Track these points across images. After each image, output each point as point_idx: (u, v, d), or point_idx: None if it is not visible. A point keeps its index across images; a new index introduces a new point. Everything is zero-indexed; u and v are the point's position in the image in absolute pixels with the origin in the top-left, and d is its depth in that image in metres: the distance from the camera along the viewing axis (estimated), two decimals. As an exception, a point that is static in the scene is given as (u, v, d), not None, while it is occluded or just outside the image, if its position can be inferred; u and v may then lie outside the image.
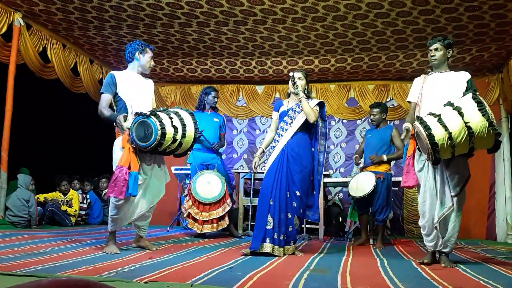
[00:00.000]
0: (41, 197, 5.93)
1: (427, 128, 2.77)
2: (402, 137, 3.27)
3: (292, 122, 3.57)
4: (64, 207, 5.91)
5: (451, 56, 5.46)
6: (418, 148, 3.09)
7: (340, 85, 6.74)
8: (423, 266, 3.03)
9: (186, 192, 4.99)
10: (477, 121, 2.71)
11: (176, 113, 3.24)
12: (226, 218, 4.84)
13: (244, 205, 5.45)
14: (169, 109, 3.29)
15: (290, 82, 3.61)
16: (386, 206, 4.60)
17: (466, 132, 2.72)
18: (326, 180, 5.57)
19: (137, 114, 3.15)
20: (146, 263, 2.75)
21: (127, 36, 5.38)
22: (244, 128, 7.05)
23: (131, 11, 4.67)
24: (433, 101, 3.14)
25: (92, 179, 6.89)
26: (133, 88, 3.41)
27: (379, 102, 5.46)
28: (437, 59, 3.25)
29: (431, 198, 3.12)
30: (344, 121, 6.77)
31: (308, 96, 3.63)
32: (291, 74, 3.61)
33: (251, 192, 5.39)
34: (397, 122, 6.54)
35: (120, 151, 3.26)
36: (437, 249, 3.16)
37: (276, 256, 3.30)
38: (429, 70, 3.36)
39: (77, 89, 5.80)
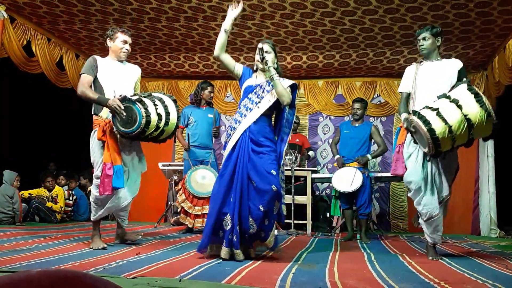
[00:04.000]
0: (26, 193, 5.85)
1: (426, 123, 2.76)
2: (404, 126, 3.13)
3: (259, 102, 3.01)
4: (49, 204, 5.84)
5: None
6: (414, 141, 3.08)
7: (328, 82, 6.77)
8: (409, 260, 3.07)
9: (179, 187, 5.00)
10: (476, 112, 2.74)
11: (161, 100, 3.16)
12: None
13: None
14: (153, 95, 3.20)
15: (257, 56, 3.07)
16: (370, 201, 4.76)
17: (466, 124, 2.74)
18: (314, 176, 5.61)
19: (121, 99, 3.06)
20: (134, 259, 2.73)
21: (113, 31, 5.31)
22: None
23: (118, 5, 4.61)
24: (428, 92, 3.13)
25: (77, 175, 6.82)
26: (112, 75, 3.30)
27: (361, 97, 5.51)
28: (425, 48, 3.24)
29: (423, 186, 3.09)
30: (332, 117, 6.81)
31: (278, 73, 3.05)
32: (259, 45, 3.03)
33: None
34: (384, 119, 6.61)
35: (97, 142, 3.20)
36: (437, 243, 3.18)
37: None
38: (421, 60, 3.36)
39: (62, 84, 5.71)
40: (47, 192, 5.97)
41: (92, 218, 3.37)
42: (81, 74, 3.24)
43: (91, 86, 3.22)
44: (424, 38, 3.24)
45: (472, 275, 2.41)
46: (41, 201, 5.79)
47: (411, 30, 4.88)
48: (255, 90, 3.06)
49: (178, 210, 4.94)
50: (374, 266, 2.78)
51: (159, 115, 3.06)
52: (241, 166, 2.90)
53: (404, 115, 3.19)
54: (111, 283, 0.74)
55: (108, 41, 3.37)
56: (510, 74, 4.84)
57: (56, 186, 6.12)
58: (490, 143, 5.80)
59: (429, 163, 3.09)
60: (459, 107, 2.75)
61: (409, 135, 3.17)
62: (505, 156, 5.73)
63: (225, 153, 3.03)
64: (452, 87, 3.11)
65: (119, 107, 3.00)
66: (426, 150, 2.89)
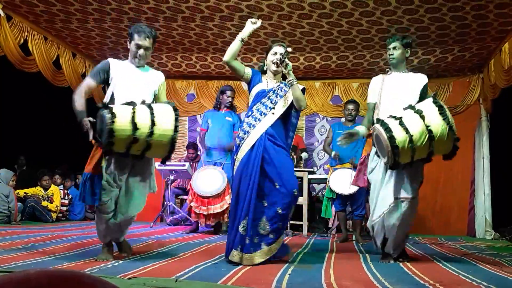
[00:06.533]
0: (21, 192, 5.83)
1: (388, 130, 2.74)
2: (340, 142, 3.13)
3: (273, 108, 2.99)
4: (45, 203, 5.82)
5: (434, 55, 5.60)
6: (376, 152, 3.03)
7: (325, 83, 6.79)
8: (405, 262, 3.08)
9: (189, 187, 5.02)
10: (438, 124, 2.73)
11: (149, 107, 2.67)
12: (226, 215, 4.76)
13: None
14: (141, 104, 2.71)
15: (272, 57, 3.06)
16: (365, 202, 4.76)
17: (427, 136, 2.72)
18: (311, 176, 5.62)
19: (101, 106, 2.66)
20: (130, 259, 2.73)
21: (110, 30, 5.30)
22: (229, 125, 7.03)
23: (115, 4, 4.60)
24: (393, 102, 3.11)
25: (74, 174, 6.80)
26: (127, 80, 2.88)
27: (354, 99, 5.52)
28: (395, 58, 3.22)
29: (377, 198, 3.09)
30: (329, 118, 6.82)
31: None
32: (280, 49, 3.04)
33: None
34: (380, 120, 6.63)
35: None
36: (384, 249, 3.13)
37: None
38: (388, 69, 3.34)
39: (59, 83, 5.69)
40: (43, 191, 5.95)
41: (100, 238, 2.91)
42: (88, 75, 2.91)
43: (101, 92, 2.95)
44: (394, 48, 3.22)
45: (467, 276, 2.43)
46: (36, 200, 5.77)
47: (408, 32, 4.90)
48: (268, 95, 3.03)
49: (187, 209, 4.96)
50: (370, 267, 2.79)
51: (133, 124, 2.53)
52: (255, 168, 2.86)
53: (360, 128, 3.20)
54: (109, 283, 0.74)
55: (128, 43, 2.96)
56: (506, 77, 4.87)
57: (52, 185, 6.10)
58: (486, 145, 5.83)
59: (388, 174, 3.02)
60: (422, 117, 2.75)
61: (373, 148, 3.12)
62: (501, 158, 5.76)
63: (239, 157, 2.95)
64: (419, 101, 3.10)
65: (87, 130, 2.64)
66: (385, 160, 2.84)
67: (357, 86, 6.69)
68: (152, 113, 2.62)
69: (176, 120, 2.69)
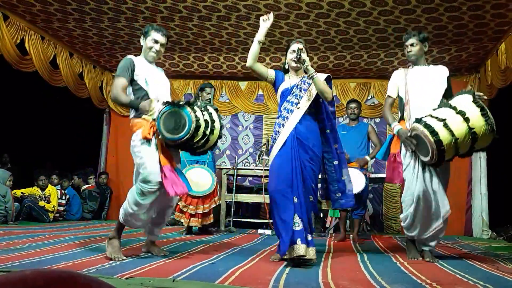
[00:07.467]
0: (18, 192, 5.81)
1: (434, 133, 2.73)
2: (402, 138, 3.09)
3: (298, 102, 3.03)
4: (42, 203, 5.80)
5: (431, 55, 5.61)
6: (413, 151, 3.01)
7: (322, 83, 6.79)
8: (401, 260, 3.09)
9: None
10: (481, 126, 2.75)
11: (204, 107, 2.89)
12: (211, 215, 4.78)
13: (226, 201, 5.45)
14: (196, 102, 2.91)
15: (291, 56, 3.09)
16: (366, 202, 4.81)
17: (471, 137, 2.74)
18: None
19: (167, 102, 2.76)
20: (127, 259, 2.72)
21: (108, 30, 5.30)
22: (227, 124, 7.04)
23: (113, 4, 4.60)
24: (422, 97, 3.12)
25: (71, 174, 6.78)
26: (150, 76, 2.96)
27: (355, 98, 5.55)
28: (414, 54, 3.23)
29: (423, 193, 3.04)
30: (326, 118, 6.82)
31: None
32: (295, 46, 3.06)
33: (234, 188, 5.41)
34: (377, 120, 6.65)
35: (141, 145, 2.83)
36: (417, 238, 3.18)
37: (309, 259, 2.80)
38: (410, 64, 3.34)
39: (56, 82, 5.68)
40: (40, 191, 5.94)
41: (121, 220, 2.86)
42: (116, 76, 2.91)
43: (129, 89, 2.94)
44: (412, 44, 3.22)
45: (463, 276, 2.44)
46: (33, 200, 5.75)
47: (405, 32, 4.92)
48: (292, 92, 3.08)
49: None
50: (367, 266, 2.79)
51: (206, 121, 2.78)
52: (297, 171, 2.91)
53: (396, 126, 3.16)
54: (106, 283, 0.75)
55: (141, 38, 3.06)
56: (502, 77, 4.89)
57: (49, 185, 6.08)
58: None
59: (427, 176, 3.04)
60: (466, 120, 2.74)
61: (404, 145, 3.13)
62: (497, 157, 5.78)
63: (271, 157, 3.05)
64: (445, 95, 3.11)
65: (149, 111, 2.77)
66: (427, 159, 2.84)
67: (355, 85, 6.71)
68: (210, 113, 2.87)
69: (220, 120, 2.94)
